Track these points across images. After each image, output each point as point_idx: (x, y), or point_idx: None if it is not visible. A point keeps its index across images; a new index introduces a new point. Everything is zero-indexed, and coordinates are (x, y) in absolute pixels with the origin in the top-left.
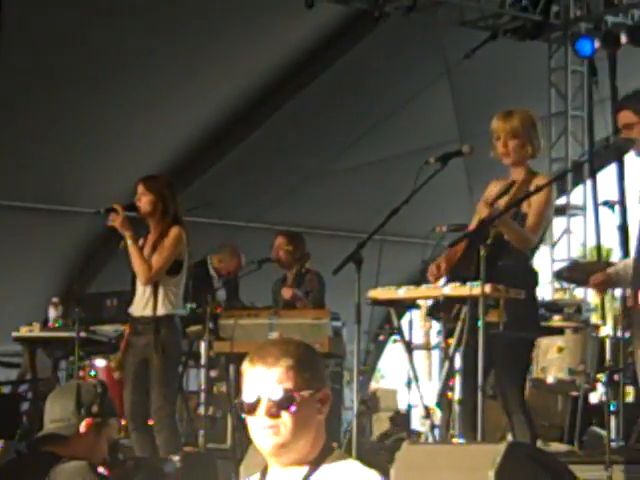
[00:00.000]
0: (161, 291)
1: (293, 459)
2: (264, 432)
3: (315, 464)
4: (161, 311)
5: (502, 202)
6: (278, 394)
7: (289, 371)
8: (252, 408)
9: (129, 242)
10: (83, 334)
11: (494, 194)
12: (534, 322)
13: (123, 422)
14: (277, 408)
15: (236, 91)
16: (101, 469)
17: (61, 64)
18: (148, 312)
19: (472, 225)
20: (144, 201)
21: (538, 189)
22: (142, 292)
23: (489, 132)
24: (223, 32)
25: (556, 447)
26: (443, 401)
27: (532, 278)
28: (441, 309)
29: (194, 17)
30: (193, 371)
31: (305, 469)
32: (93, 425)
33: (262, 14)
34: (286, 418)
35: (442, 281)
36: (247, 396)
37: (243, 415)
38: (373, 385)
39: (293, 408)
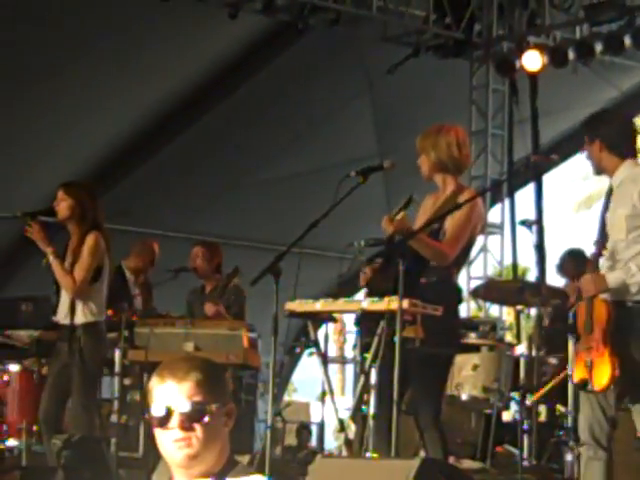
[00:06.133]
0: (80, 299)
1: (201, 470)
2: (175, 445)
3: (220, 476)
4: (80, 319)
5: (421, 220)
6: (190, 407)
7: (199, 385)
8: (164, 421)
9: (51, 258)
10: None
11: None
12: (453, 339)
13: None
14: (189, 421)
15: (157, 100)
16: None
17: None
18: (69, 320)
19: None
20: (63, 206)
21: (456, 206)
22: (65, 300)
23: (409, 148)
24: (143, 42)
25: (468, 464)
26: (357, 415)
27: (454, 295)
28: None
29: (114, 28)
30: (107, 379)
31: None
32: None
33: (184, 24)
34: (198, 430)
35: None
36: (158, 410)
37: (155, 429)
38: (286, 398)
39: (205, 419)
